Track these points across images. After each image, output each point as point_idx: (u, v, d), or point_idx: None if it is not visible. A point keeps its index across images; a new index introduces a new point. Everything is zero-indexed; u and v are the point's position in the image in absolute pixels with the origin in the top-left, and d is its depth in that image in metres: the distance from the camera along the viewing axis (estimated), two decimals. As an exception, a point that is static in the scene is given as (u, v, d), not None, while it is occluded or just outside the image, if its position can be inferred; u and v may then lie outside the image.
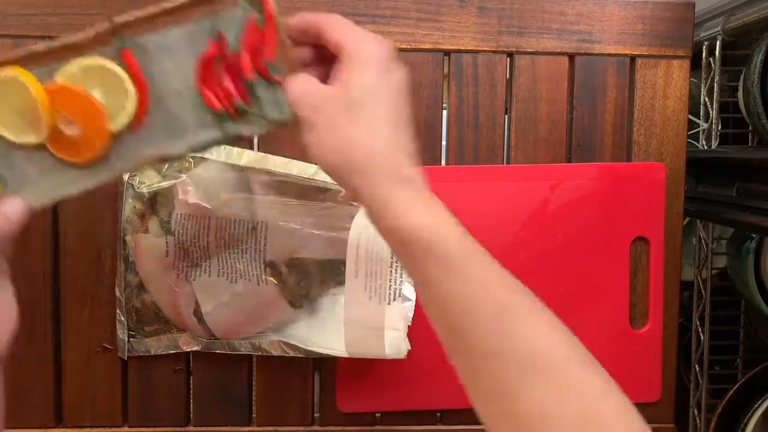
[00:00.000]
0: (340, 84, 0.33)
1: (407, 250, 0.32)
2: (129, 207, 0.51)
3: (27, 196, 0.38)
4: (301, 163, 0.51)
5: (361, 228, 0.46)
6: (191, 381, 0.56)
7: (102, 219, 0.54)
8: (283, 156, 0.52)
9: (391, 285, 0.45)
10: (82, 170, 0.38)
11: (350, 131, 0.32)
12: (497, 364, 0.29)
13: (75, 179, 0.38)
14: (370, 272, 0.45)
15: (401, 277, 0.45)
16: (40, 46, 0.36)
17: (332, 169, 0.34)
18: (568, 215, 0.55)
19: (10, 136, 0.37)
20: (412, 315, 0.51)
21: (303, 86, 0.34)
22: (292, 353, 0.52)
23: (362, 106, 0.32)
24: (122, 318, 0.53)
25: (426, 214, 0.31)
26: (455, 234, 0.31)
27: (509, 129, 0.57)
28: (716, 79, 0.83)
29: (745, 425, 0.79)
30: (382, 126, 0.33)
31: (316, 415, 0.57)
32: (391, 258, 0.45)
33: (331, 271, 0.50)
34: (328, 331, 0.50)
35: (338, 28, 0.34)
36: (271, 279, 0.49)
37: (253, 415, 0.57)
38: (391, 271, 0.45)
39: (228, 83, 0.35)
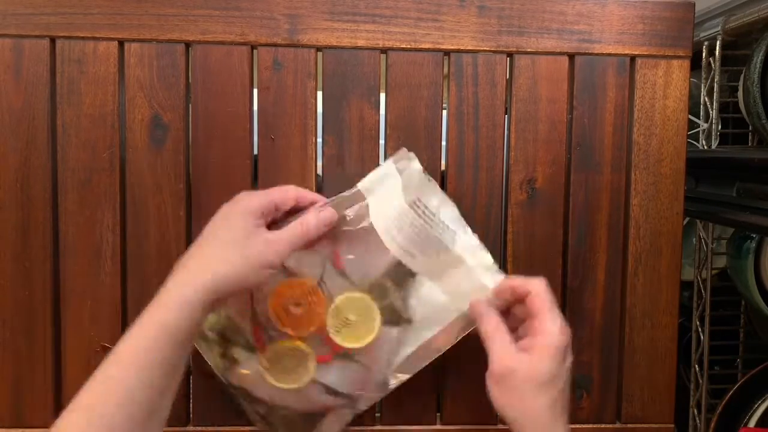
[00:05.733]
0: (532, 359, 0.45)
1: None
2: (214, 356, 0.53)
3: None
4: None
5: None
6: (191, 381, 0.56)
7: (102, 218, 0.54)
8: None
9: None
10: None
11: (529, 399, 0.45)
12: None
13: None
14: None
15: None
16: None
17: (506, 416, 0.46)
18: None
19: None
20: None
21: (505, 350, 0.46)
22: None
23: (544, 385, 0.45)
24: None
25: None
26: None
27: (509, 129, 0.57)
28: (716, 79, 0.83)
29: (746, 425, 0.79)
30: (549, 393, 0.45)
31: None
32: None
33: None
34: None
35: (542, 304, 0.47)
36: None
37: (253, 415, 0.57)
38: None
39: None
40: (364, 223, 0.51)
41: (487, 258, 0.52)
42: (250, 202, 0.46)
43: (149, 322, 0.42)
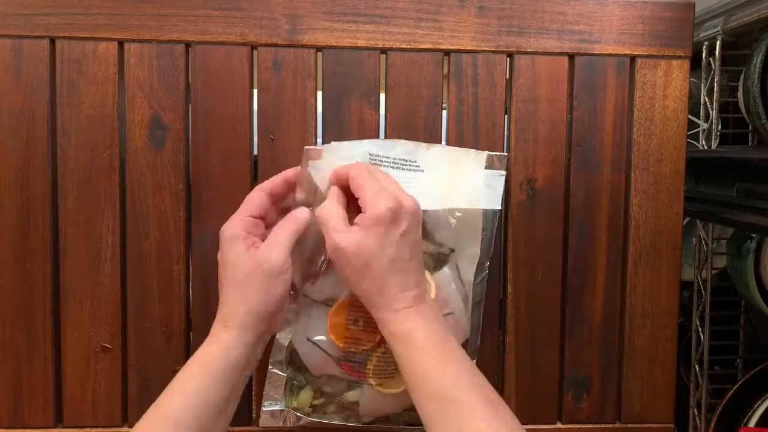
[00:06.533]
0: (360, 235, 0.44)
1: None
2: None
3: None
4: None
5: None
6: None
7: (102, 219, 0.54)
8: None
9: None
10: None
11: (361, 275, 0.45)
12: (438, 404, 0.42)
13: None
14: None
15: None
16: None
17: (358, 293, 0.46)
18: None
19: None
20: None
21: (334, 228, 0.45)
22: None
23: (372, 260, 0.44)
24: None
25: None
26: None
27: (509, 129, 0.57)
28: (716, 79, 0.83)
29: (746, 425, 0.79)
30: (377, 267, 0.44)
31: (316, 415, 0.57)
32: None
33: None
34: None
35: (360, 179, 0.46)
36: None
37: (253, 415, 0.57)
38: None
39: None
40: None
41: (461, 153, 0.53)
42: (229, 230, 0.47)
43: (193, 358, 0.46)
